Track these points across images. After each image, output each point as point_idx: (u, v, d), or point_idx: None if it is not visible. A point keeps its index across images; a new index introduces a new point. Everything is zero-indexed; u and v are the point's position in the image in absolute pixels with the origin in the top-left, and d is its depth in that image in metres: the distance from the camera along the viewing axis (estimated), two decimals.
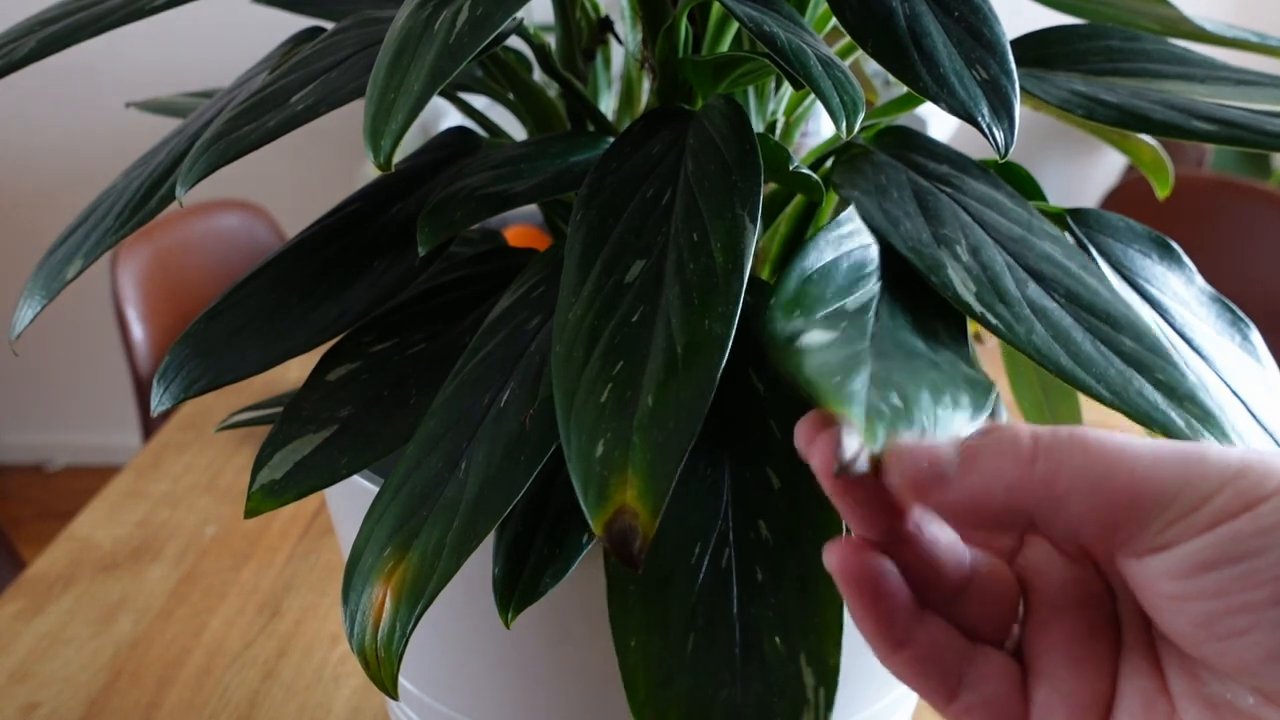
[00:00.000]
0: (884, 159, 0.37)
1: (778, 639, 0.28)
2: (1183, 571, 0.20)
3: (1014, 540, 0.25)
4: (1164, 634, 0.22)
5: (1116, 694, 0.22)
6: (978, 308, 0.29)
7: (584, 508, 0.24)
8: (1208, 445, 0.20)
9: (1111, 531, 0.21)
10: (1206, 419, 0.28)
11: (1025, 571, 0.25)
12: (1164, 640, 0.22)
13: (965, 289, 0.30)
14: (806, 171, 0.34)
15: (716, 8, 0.40)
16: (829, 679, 0.28)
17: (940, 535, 0.24)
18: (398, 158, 0.27)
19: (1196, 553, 0.20)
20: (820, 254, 0.30)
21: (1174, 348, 0.31)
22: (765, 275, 0.44)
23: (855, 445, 0.21)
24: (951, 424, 0.22)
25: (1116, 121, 0.35)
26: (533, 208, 0.43)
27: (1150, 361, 0.29)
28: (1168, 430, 0.27)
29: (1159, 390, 0.28)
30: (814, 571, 0.29)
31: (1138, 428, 0.27)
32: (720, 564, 0.30)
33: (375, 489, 0.34)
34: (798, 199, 0.43)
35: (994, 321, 0.29)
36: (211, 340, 0.35)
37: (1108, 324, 0.30)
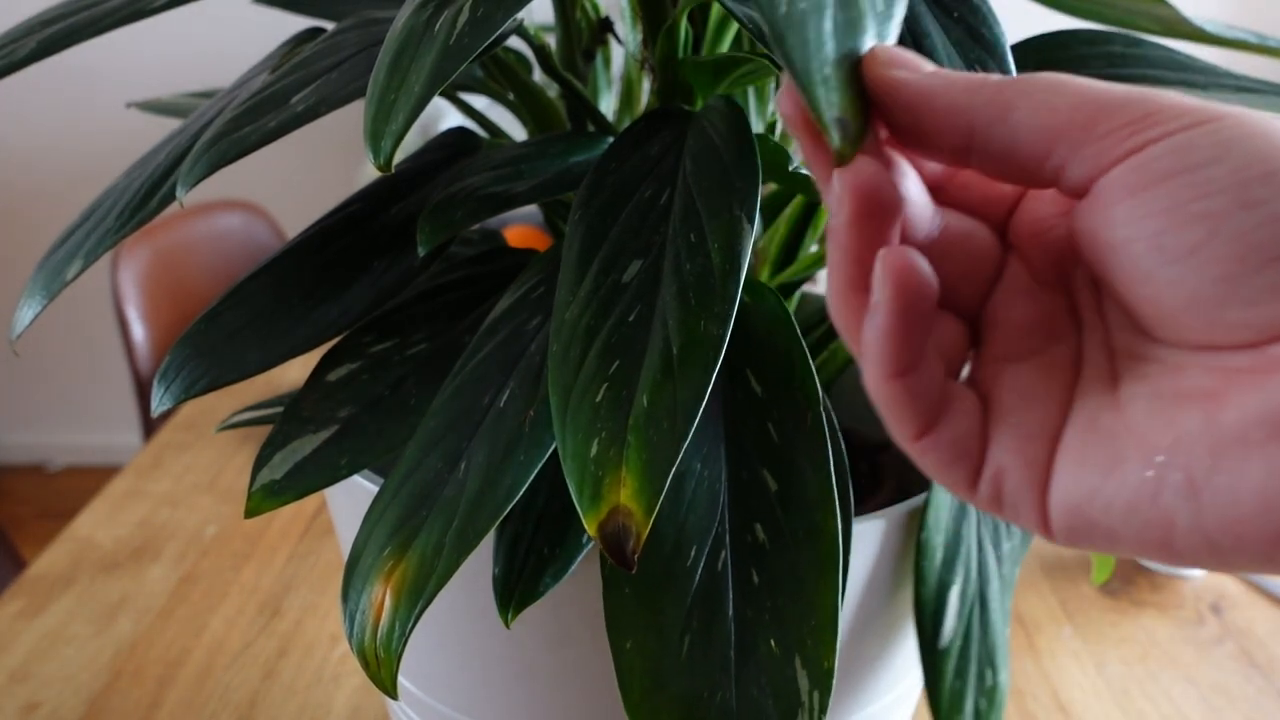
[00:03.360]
0: None
1: (773, 642, 0.29)
2: (1134, 184, 0.19)
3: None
4: (1119, 290, 0.21)
5: (1068, 420, 0.21)
6: None
7: (578, 507, 0.24)
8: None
9: (1055, 140, 0.20)
10: None
11: (991, 310, 0.24)
12: (1119, 323, 0.22)
13: None
14: (806, 172, 0.35)
15: (716, 8, 0.40)
16: (823, 682, 0.28)
17: (910, 186, 0.23)
18: (398, 158, 0.27)
19: (1150, 162, 0.19)
20: None
21: None
22: (764, 276, 0.44)
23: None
24: None
25: None
26: (533, 208, 0.43)
27: None
28: None
29: None
30: (810, 575, 0.29)
31: None
32: (716, 566, 0.30)
33: (375, 489, 0.35)
34: (797, 199, 0.43)
35: None
36: (212, 340, 0.35)
37: None
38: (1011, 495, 0.21)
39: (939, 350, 0.23)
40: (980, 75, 0.21)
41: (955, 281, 0.23)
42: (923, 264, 0.21)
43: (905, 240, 0.22)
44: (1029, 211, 0.24)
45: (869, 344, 0.21)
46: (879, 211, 0.21)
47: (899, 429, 0.22)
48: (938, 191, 0.24)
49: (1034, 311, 0.23)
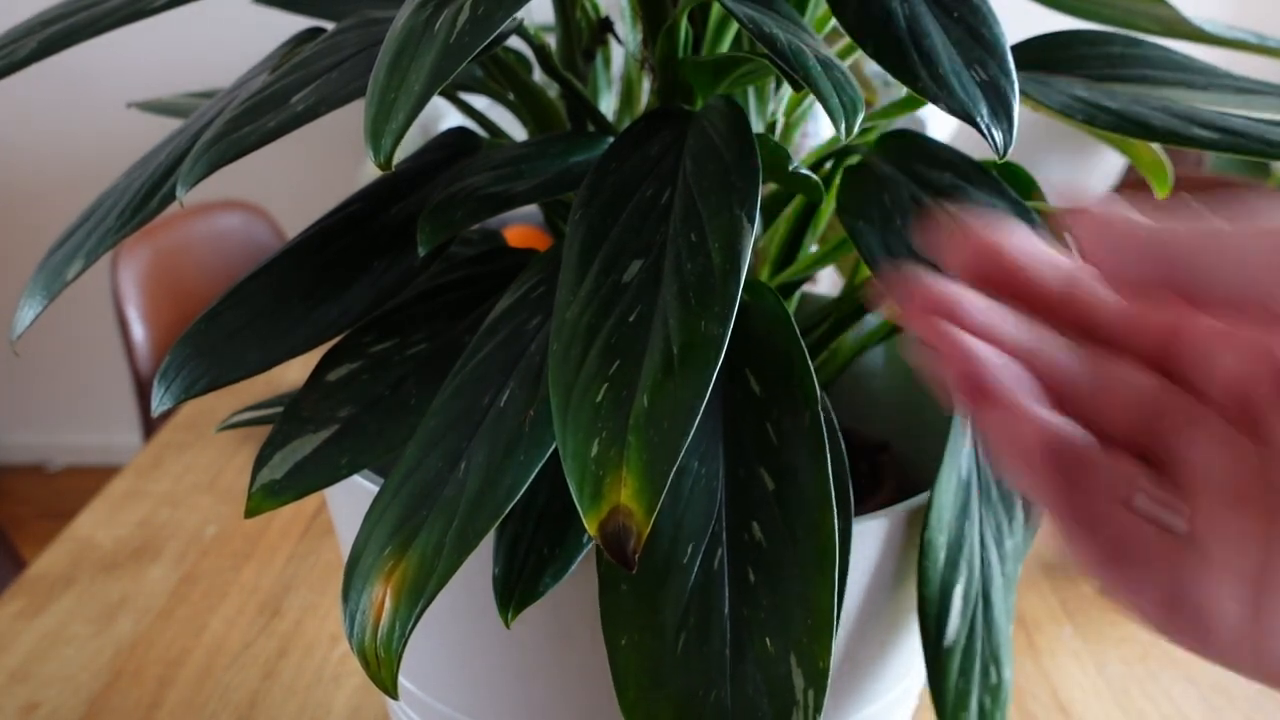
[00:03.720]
0: (887, 172, 0.37)
1: (768, 640, 0.29)
2: None
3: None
4: None
5: None
6: None
7: (578, 507, 0.24)
8: None
9: None
10: None
11: (1170, 444, 0.22)
12: None
13: None
14: (806, 172, 0.35)
15: (716, 8, 0.40)
16: (818, 681, 0.28)
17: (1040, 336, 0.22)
18: (398, 158, 0.27)
19: None
20: None
21: None
22: (764, 276, 0.44)
23: None
24: None
25: (1117, 128, 0.35)
26: (533, 208, 0.43)
27: None
28: None
29: None
30: (806, 574, 0.29)
31: None
32: (713, 564, 0.30)
33: (375, 489, 0.35)
34: (797, 200, 0.43)
35: None
36: (212, 340, 0.35)
37: None
38: (1221, 638, 0.20)
39: (1111, 489, 0.21)
40: (1201, 228, 0.19)
41: (1113, 418, 0.22)
42: (1070, 439, 0.20)
43: (1046, 380, 0.22)
44: (1194, 339, 0.22)
45: (1035, 497, 0.21)
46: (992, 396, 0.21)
47: (1085, 569, 0.22)
48: (1077, 327, 0.23)
49: (1220, 444, 0.21)
